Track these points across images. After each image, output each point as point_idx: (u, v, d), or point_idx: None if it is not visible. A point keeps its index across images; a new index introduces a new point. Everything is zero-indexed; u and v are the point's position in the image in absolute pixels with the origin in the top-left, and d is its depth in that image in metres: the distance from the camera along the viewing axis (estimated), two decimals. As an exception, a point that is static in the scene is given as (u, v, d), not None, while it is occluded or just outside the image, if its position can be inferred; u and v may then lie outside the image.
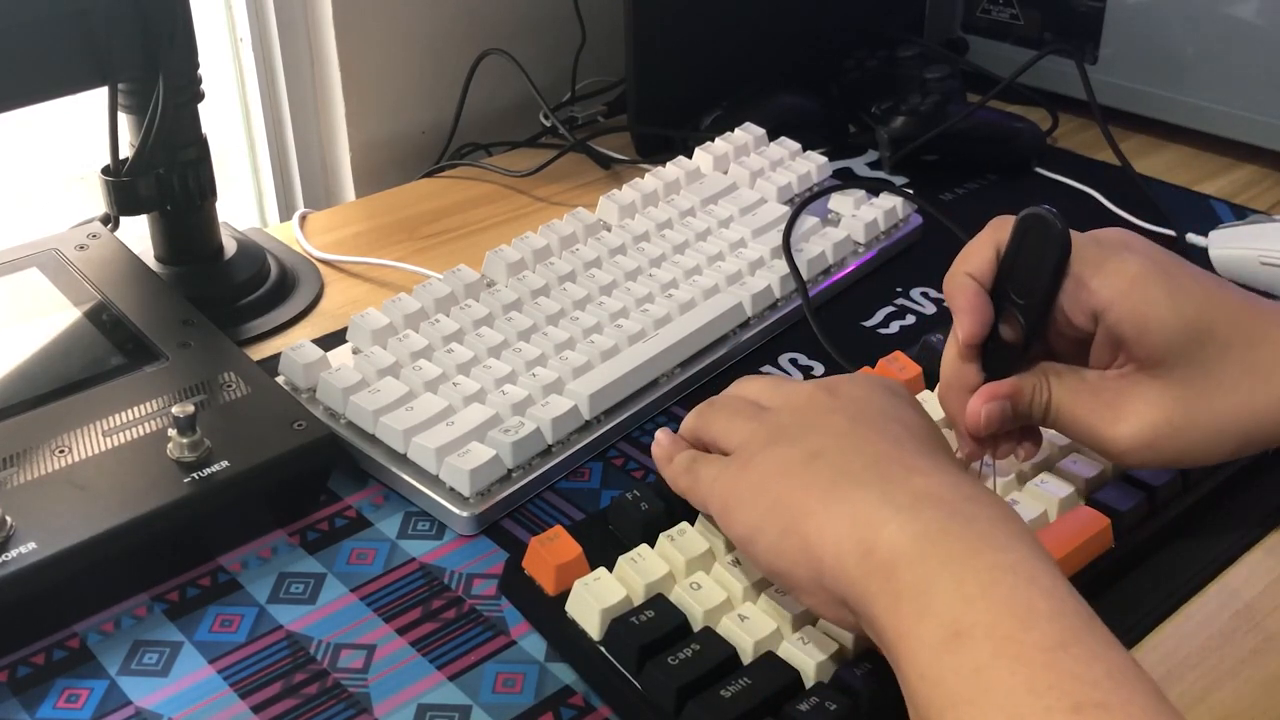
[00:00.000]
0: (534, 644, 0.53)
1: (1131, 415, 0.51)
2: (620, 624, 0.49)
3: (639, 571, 0.51)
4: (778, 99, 0.97)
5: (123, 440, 0.57)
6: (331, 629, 0.54)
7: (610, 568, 0.51)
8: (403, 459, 0.61)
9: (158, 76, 0.69)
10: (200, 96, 0.74)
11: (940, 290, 0.79)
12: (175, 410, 0.56)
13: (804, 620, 0.49)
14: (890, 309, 0.77)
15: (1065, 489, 0.56)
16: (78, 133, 0.87)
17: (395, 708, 0.50)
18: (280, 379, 0.66)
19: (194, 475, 0.55)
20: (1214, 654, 0.52)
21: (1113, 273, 0.51)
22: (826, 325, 0.73)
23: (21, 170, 0.91)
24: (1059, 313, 0.52)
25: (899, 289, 0.80)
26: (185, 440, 0.56)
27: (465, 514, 0.59)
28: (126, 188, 0.73)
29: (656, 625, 0.49)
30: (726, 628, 0.49)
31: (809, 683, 0.47)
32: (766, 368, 0.71)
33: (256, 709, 0.50)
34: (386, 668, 0.52)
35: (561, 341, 0.67)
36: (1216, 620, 0.54)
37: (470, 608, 0.55)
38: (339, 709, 0.50)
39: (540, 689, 0.51)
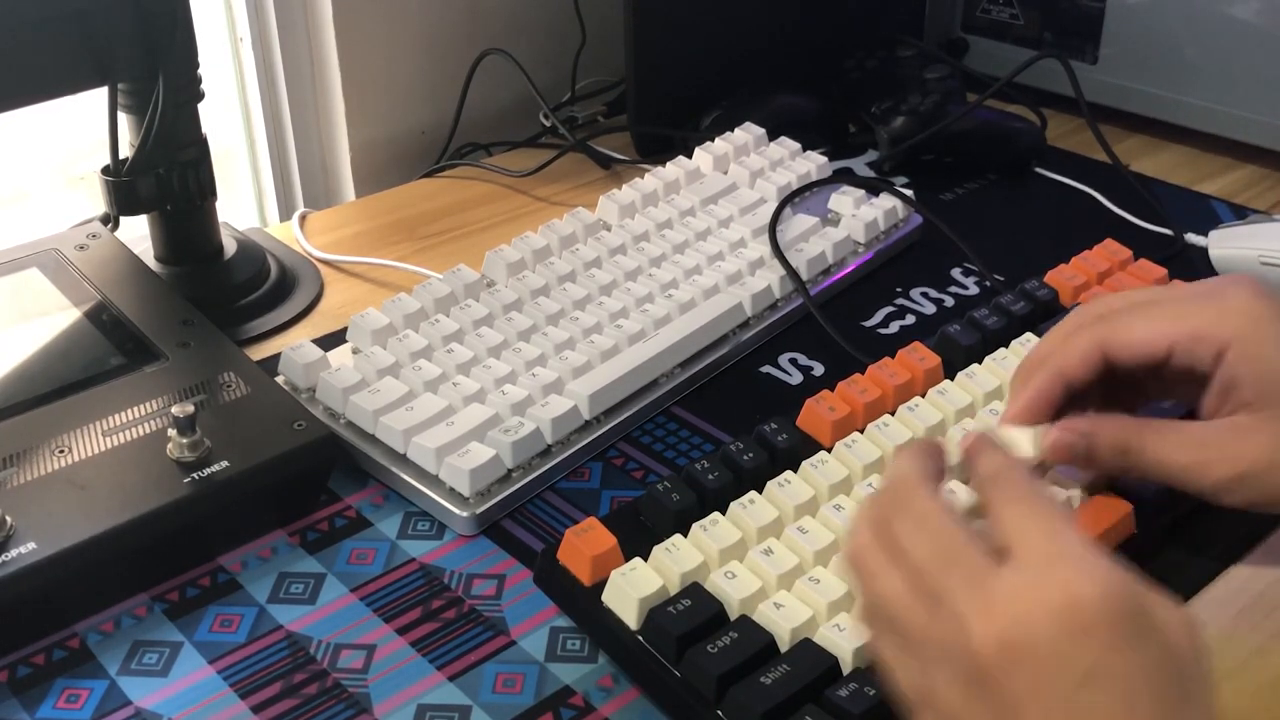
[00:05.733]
0: (534, 644, 0.53)
1: (1234, 458, 0.50)
2: (658, 613, 0.49)
3: (674, 561, 0.51)
4: (778, 99, 0.97)
5: (123, 440, 0.57)
6: (331, 629, 0.54)
7: (644, 558, 0.51)
8: (402, 459, 0.61)
9: (158, 76, 0.69)
10: (200, 96, 0.74)
11: (939, 290, 0.79)
12: (175, 410, 0.56)
13: (839, 607, 0.50)
14: (890, 309, 0.77)
15: (1089, 474, 0.56)
16: (78, 133, 0.87)
17: (395, 708, 0.50)
18: (280, 379, 0.66)
19: (194, 475, 0.55)
20: (1218, 652, 0.52)
21: (1233, 312, 0.51)
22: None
23: (21, 170, 0.91)
24: (1173, 370, 0.52)
25: (899, 289, 0.79)
26: (185, 440, 0.56)
27: (465, 514, 0.59)
28: (126, 188, 0.73)
29: (694, 614, 0.49)
30: (763, 615, 0.49)
31: (846, 669, 0.48)
32: (766, 368, 0.71)
33: (256, 709, 0.50)
34: (386, 668, 0.52)
35: (561, 341, 0.67)
36: (1225, 613, 0.54)
37: (470, 608, 0.55)
38: (339, 709, 0.50)
39: (540, 689, 0.51)
